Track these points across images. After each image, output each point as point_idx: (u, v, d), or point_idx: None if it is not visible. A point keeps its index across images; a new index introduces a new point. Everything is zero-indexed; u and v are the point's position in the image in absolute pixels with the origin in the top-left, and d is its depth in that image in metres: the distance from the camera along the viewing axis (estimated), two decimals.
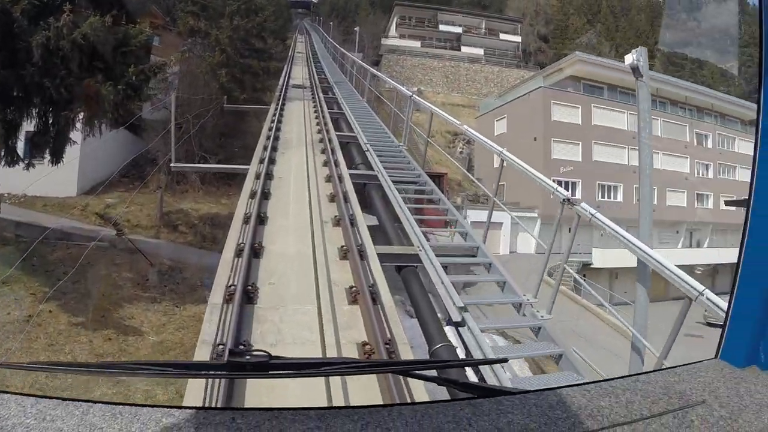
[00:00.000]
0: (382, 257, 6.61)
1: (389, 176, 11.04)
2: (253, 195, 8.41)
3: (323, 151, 12.64)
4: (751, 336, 2.38)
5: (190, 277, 17.11)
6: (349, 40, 51.43)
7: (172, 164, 16.47)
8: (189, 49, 29.12)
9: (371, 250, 6.62)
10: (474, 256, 8.31)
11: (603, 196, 38.99)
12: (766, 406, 2.13)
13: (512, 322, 7.09)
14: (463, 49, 54.63)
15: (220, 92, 25.92)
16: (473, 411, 1.70)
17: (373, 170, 11.88)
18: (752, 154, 2.16)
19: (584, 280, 24.30)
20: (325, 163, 11.47)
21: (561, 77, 40.68)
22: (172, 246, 20.00)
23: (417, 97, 14.27)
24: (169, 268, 17.69)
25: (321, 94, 22.16)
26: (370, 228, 7.72)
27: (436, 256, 7.37)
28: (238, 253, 6.00)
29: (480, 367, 5.23)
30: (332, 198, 8.89)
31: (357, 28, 52.89)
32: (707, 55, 49.73)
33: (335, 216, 7.93)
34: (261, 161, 11.09)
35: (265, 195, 8.75)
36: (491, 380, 5.03)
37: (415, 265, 7.45)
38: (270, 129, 14.82)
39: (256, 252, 6.27)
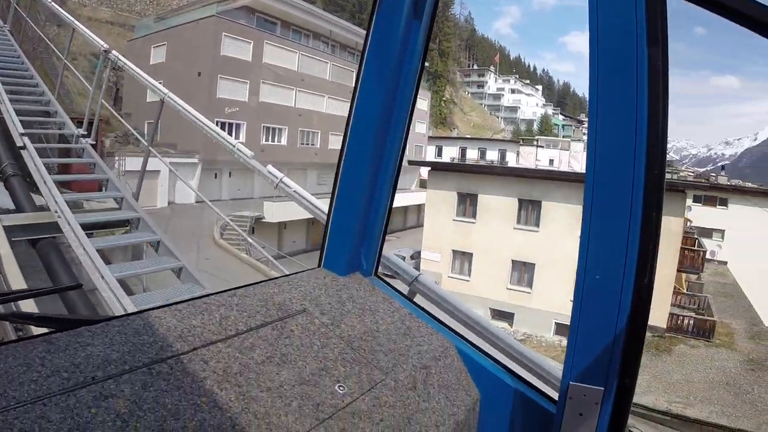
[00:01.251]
0: None
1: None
2: None
3: None
4: (351, 245, 2.61)
5: None
6: None
7: None
8: None
9: None
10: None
11: (268, 139, 37.60)
12: (368, 310, 2.47)
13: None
14: None
15: None
16: (48, 348, 1.55)
17: None
18: None
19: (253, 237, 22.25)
20: None
21: (235, 6, 36.26)
22: None
23: (116, 54, 8.30)
24: None
25: None
26: None
27: None
28: None
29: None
30: None
31: None
32: None
33: None
34: None
35: None
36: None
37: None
38: None
39: None
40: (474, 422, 2.49)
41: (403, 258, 27.05)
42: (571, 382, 1.91)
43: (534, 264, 24.94)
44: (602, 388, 1.89)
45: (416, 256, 29.52)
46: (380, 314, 2.49)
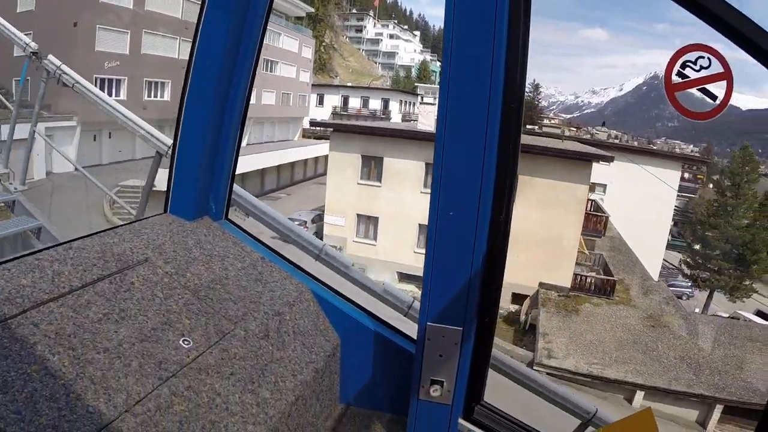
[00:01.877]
0: None
1: None
2: None
3: None
4: (198, 187, 2.49)
5: None
6: None
7: None
8: None
9: None
10: None
11: (150, 95, 34.79)
12: (216, 256, 2.37)
13: None
14: None
15: None
16: None
17: None
18: None
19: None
20: None
21: None
22: None
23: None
24: None
25: None
26: None
27: None
28: None
29: None
30: None
31: None
32: None
33: None
34: None
35: None
36: None
37: None
38: None
39: None
40: (336, 367, 2.49)
41: (304, 223, 26.22)
42: (428, 323, 1.95)
43: None
44: (461, 329, 1.93)
45: (317, 220, 28.64)
46: (230, 260, 2.42)
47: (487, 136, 1.77)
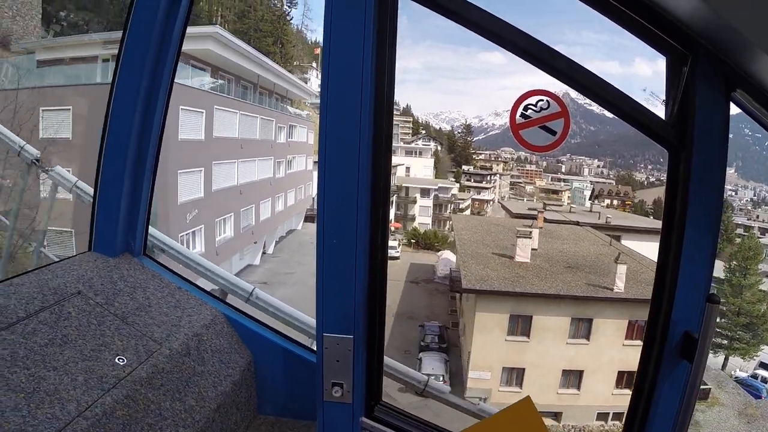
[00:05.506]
0: None
1: None
2: None
3: None
4: (119, 227, 2.68)
5: None
6: None
7: None
8: None
9: None
10: None
11: None
12: (139, 287, 2.54)
13: None
14: None
15: None
16: None
17: None
18: None
19: None
20: None
21: None
22: None
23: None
24: None
25: None
26: None
27: None
28: None
29: None
30: None
31: None
32: None
33: None
34: None
35: None
36: None
37: None
38: None
39: None
40: (251, 380, 2.76)
41: (441, 378, 26.35)
42: (324, 334, 2.11)
43: (582, 371, 27.05)
44: (352, 337, 2.10)
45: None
46: (150, 290, 2.64)
47: (359, 170, 1.97)
